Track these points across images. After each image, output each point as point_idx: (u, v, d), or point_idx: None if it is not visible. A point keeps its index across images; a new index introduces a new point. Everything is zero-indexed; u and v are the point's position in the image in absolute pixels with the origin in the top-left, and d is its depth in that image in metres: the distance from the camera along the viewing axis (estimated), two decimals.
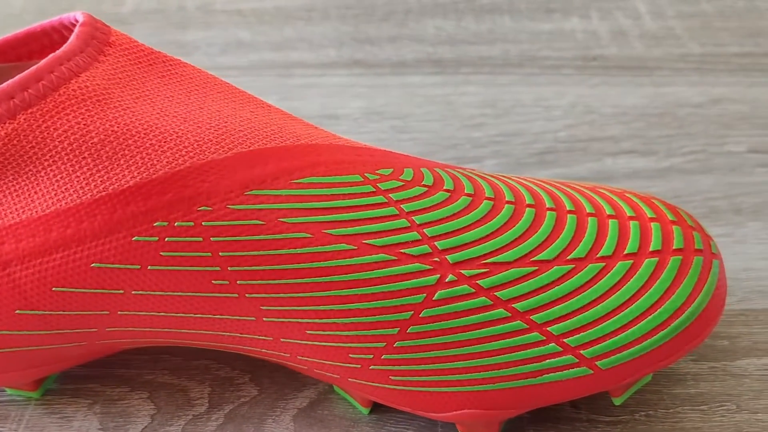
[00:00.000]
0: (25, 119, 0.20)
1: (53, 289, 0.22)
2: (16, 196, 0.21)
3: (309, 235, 0.22)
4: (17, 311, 0.22)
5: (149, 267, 0.22)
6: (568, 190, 0.25)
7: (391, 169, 0.24)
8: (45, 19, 0.50)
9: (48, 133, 0.21)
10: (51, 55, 0.21)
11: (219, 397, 0.27)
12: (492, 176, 0.26)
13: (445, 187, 0.24)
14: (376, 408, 0.26)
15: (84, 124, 0.21)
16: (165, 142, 0.21)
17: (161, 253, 0.21)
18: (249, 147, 0.22)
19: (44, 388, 0.27)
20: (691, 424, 0.26)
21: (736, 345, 0.29)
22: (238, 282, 0.22)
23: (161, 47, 0.48)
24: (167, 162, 0.21)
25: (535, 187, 0.25)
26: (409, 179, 0.24)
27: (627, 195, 0.26)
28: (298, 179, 0.22)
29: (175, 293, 0.22)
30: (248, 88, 0.44)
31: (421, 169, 0.24)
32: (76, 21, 0.23)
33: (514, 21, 0.50)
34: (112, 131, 0.21)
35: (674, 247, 0.24)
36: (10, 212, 0.21)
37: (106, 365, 0.28)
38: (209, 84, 0.24)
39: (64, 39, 0.24)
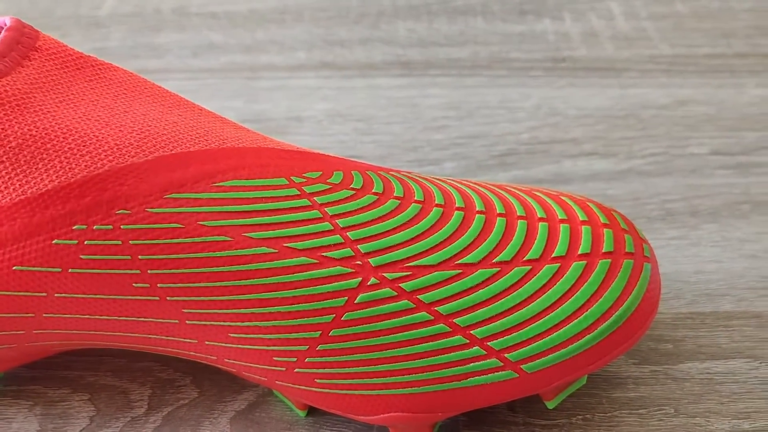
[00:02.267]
0: None
1: None
2: None
3: (229, 239, 0.22)
4: None
5: (70, 270, 0.22)
6: (502, 193, 0.25)
7: (320, 172, 0.24)
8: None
9: None
10: None
11: (159, 399, 0.27)
12: (425, 179, 0.26)
13: (373, 190, 0.24)
14: (312, 411, 0.26)
15: (1, 129, 0.21)
16: (84, 145, 0.21)
17: (81, 257, 0.22)
18: (171, 150, 0.22)
19: None
20: (628, 428, 0.26)
21: (680, 348, 0.28)
22: (158, 285, 0.22)
23: (135, 50, 0.49)
24: (86, 165, 0.21)
25: (467, 190, 0.25)
26: (337, 182, 0.24)
27: (562, 198, 0.26)
28: (220, 182, 0.22)
29: (97, 296, 0.22)
30: (217, 91, 0.45)
31: (352, 172, 0.24)
32: (4, 25, 0.24)
33: (487, 22, 0.50)
34: (30, 135, 0.21)
35: (603, 250, 0.24)
36: None
37: (50, 367, 0.28)
38: (139, 88, 0.24)
39: None
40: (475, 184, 0.26)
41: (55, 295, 0.22)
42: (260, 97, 0.44)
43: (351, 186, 0.24)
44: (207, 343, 0.23)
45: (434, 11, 0.52)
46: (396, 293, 0.22)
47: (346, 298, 0.22)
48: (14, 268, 0.22)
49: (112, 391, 0.28)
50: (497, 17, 0.50)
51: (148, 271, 0.22)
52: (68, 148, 0.21)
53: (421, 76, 0.45)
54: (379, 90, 0.44)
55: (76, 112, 0.22)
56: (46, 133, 0.21)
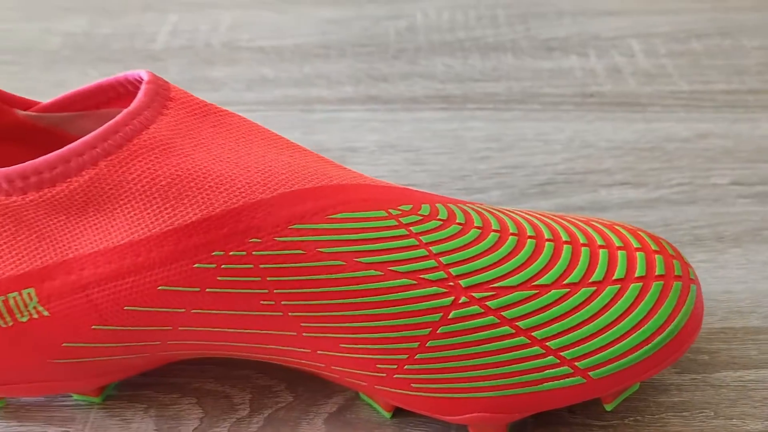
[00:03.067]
0: (105, 165, 0.24)
1: (125, 308, 0.26)
2: (96, 230, 0.25)
3: (342, 263, 0.26)
4: (93, 327, 0.26)
5: (207, 289, 0.25)
6: (565, 222, 0.29)
7: (411, 205, 0.28)
8: (82, 56, 0.54)
9: (124, 177, 0.24)
10: (125, 111, 0.25)
11: (259, 403, 0.31)
12: (497, 210, 0.29)
13: (457, 221, 0.28)
14: (397, 412, 0.30)
15: (153, 170, 0.25)
16: (221, 184, 0.25)
17: (218, 278, 0.25)
18: (291, 188, 0.26)
19: (105, 394, 0.31)
20: (674, 428, 0.30)
21: (716, 359, 0.32)
22: (282, 303, 0.26)
23: (192, 83, 0.53)
24: (223, 201, 0.25)
25: (535, 220, 0.29)
26: (426, 214, 0.27)
27: (616, 227, 0.30)
28: (333, 215, 0.26)
29: (229, 312, 0.26)
30: (274, 122, 0.49)
31: (436, 204, 0.28)
32: (141, 78, 0.27)
33: (517, 59, 0.54)
34: (177, 175, 0.25)
35: (656, 274, 0.28)
36: (90, 243, 0.25)
37: (158, 374, 0.32)
38: (253, 132, 0.28)
39: (128, 92, 0.28)
40: (540, 214, 0.30)
41: (192, 311, 0.26)
42: (316, 129, 0.47)
43: (438, 217, 0.27)
44: (319, 352, 0.27)
45: (467, 47, 0.56)
46: (483, 310, 0.26)
47: (441, 314, 0.26)
48: (159, 287, 0.25)
49: (216, 396, 0.31)
50: (526, 54, 0.55)
51: (274, 291, 0.25)
52: (208, 186, 0.25)
53: (461, 110, 0.49)
54: (423, 123, 0.48)
55: (209, 154, 0.26)
56: (188, 174, 0.25)
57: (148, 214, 0.25)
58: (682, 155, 0.44)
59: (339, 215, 0.26)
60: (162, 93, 0.26)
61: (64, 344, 0.27)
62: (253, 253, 0.25)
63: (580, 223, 0.29)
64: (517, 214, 0.29)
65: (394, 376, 0.27)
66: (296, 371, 0.31)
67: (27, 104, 0.29)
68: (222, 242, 0.25)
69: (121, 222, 0.25)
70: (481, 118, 0.48)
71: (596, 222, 0.30)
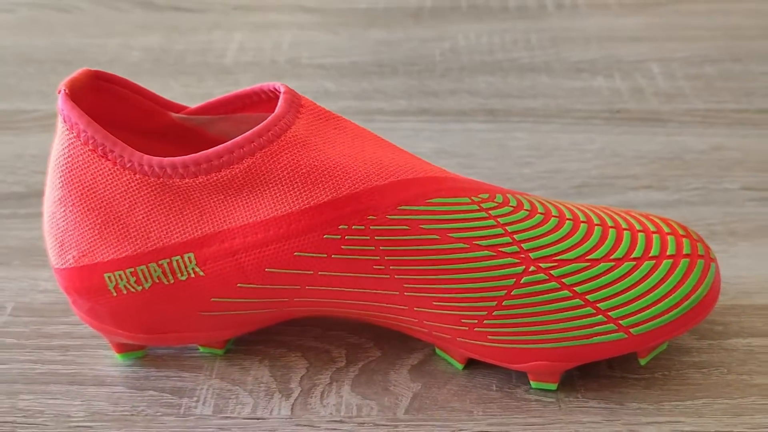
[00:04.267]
0: (260, 156, 0.31)
1: (266, 269, 0.32)
2: (248, 207, 0.32)
3: (438, 237, 0.32)
4: (239, 285, 0.33)
5: (333, 256, 0.32)
6: (610, 212, 0.36)
7: (487, 194, 0.34)
8: (161, 69, 0.60)
9: (273, 166, 0.31)
10: (272, 115, 0.32)
11: (353, 356, 0.38)
12: (553, 201, 0.36)
13: (525, 208, 0.34)
14: (468, 364, 0.37)
15: (295, 161, 0.31)
16: (346, 173, 0.32)
17: (342, 247, 0.32)
18: (398, 177, 0.33)
19: (227, 348, 0.37)
20: (695, 380, 0.36)
21: (728, 329, 0.39)
22: (390, 267, 0.32)
23: None
24: (348, 187, 0.32)
25: (585, 209, 0.36)
26: (500, 201, 0.34)
27: (651, 217, 0.36)
28: (430, 199, 0.33)
29: (348, 274, 0.33)
30: None
31: (507, 195, 0.35)
32: (275, 89, 0.34)
33: (551, 79, 0.61)
34: (313, 166, 0.32)
35: (684, 252, 0.35)
36: (242, 217, 0.32)
37: (267, 333, 0.39)
38: (364, 133, 0.34)
39: (261, 100, 0.35)
40: (587, 207, 0.37)
41: (319, 273, 0.33)
42: None
43: (510, 204, 0.34)
44: (415, 309, 0.33)
45: (506, 68, 0.63)
46: (547, 277, 0.33)
47: (514, 279, 0.33)
48: (295, 253, 0.32)
49: (317, 351, 0.38)
50: (558, 74, 0.62)
51: (385, 258, 0.32)
52: (336, 175, 0.32)
53: (505, 122, 0.56)
54: (472, 132, 0.55)
55: (335, 150, 0.32)
56: (322, 165, 0.32)
57: (290, 195, 0.32)
58: (699, 164, 0.51)
59: (435, 200, 0.33)
60: (296, 101, 0.33)
61: (213, 299, 0.33)
62: (370, 227, 0.32)
63: (621, 212, 0.36)
64: (569, 205, 0.36)
65: (475, 329, 0.33)
66: (383, 331, 0.38)
67: (178, 108, 0.36)
68: (346, 218, 0.32)
69: (268, 201, 0.32)
70: (522, 129, 0.55)
71: (634, 212, 0.37)
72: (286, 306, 0.34)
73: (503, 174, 0.50)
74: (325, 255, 0.32)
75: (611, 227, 0.35)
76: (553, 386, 0.35)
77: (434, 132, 0.55)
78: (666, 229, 0.35)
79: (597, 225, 0.35)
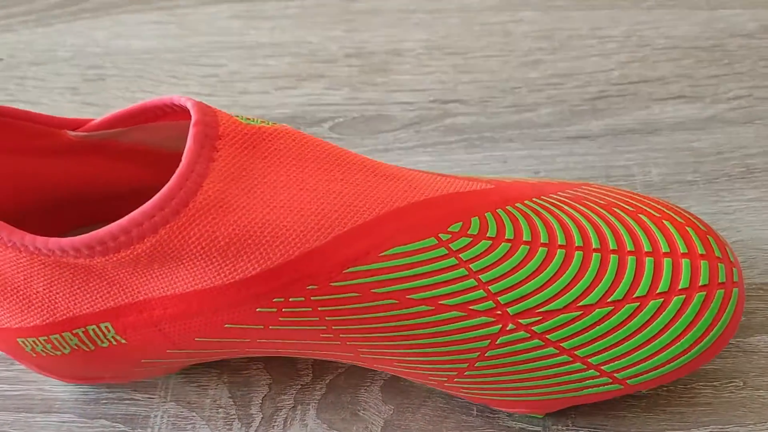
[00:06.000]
0: (165, 233, 0.25)
1: (196, 339, 0.28)
2: (162, 279, 0.26)
3: (395, 301, 0.27)
4: (168, 350, 0.28)
5: (270, 327, 0.27)
6: (613, 220, 0.29)
7: (460, 223, 0.28)
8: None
9: (184, 242, 0.25)
10: (178, 172, 0.25)
11: (321, 368, 0.34)
12: (546, 203, 0.29)
13: (506, 237, 0.28)
14: None
15: (211, 232, 0.25)
16: (277, 237, 0.26)
17: (279, 319, 0.27)
18: (344, 228, 0.26)
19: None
20: (704, 399, 0.32)
21: (751, 321, 0.34)
22: (341, 335, 0.27)
23: None
24: (280, 254, 0.26)
25: (584, 221, 0.29)
26: (475, 233, 0.28)
27: (664, 223, 0.30)
28: (385, 251, 0.27)
29: (292, 340, 0.28)
30: (316, 16, 0.47)
31: (486, 215, 0.29)
32: (183, 106, 0.27)
33: None
34: (234, 234, 0.25)
35: (700, 284, 0.29)
36: (158, 289, 0.27)
37: None
38: (305, 154, 0.27)
39: (174, 112, 0.28)
40: (591, 202, 0.30)
41: (258, 340, 0.28)
42: (358, 24, 0.46)
43: (487, 235, 0.28)
44: (375, 365, 0.29)
45: None
46: (529, 335, 0.28)
47: (489, 340, 0.28)
48: (225, 325, 0.27)
49: (281, 360, 0.34)
50: None
51: (333, 327, 0.27)
52: (265, 241, 0.26)
53: None
54: (471, 13, 0.45)
55: (263, 200, 0.26)
56: (245, 231, 0.26)
57: (209, 270, 0.26)
58: (744, 56, 0.42)
59: (391, 251, 0.27)
60: (210, 133, 0.26)
61: (142, 360, 0.29)
62: (311, 298, 0.27)
63: (628, 219, 0.30)
64: (565, 209, 0.30)
65: (445, 385, 0.29)
66: None
67: (76, 124, 0.29)
68: (281, 290, 0.26)
69: (184, 276, 0.26)
70: (532, 4, 0.45)
71: (645, 216, 0.30)
72: (234, 355, 0.30)
73: (505, 82, 0.42)
74: (262, 326, 0.27)
75: (612, 252, 0.29)
76: (540, 415, 0.31)
77: (426, 14, 0.46)
78: (681, 248, 0.29)
79: (595, 251, 0.29)
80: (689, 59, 0.42)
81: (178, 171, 0.25)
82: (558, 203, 0.30)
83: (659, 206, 0.31)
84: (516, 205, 0.30)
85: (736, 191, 0.37)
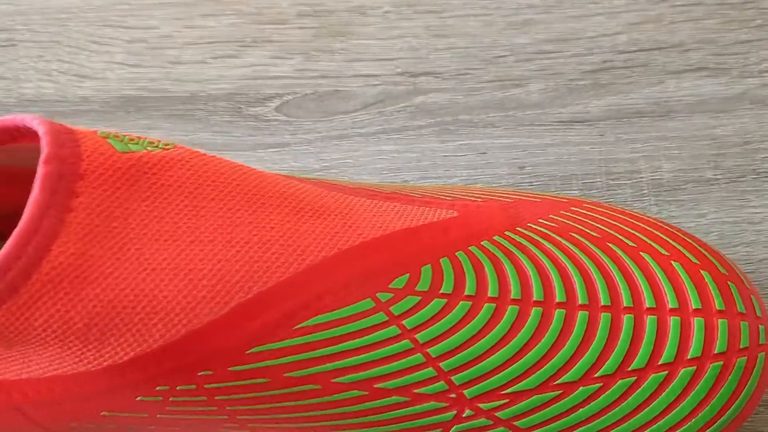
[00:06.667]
0: (2, 315, 0.19)
1: (71, 424, 0.22)
2: (12, 362, 0.20)
3: (317, 386, 0.21)
4: None
5: (158, 416, 0.21)
6: (606, 262, 0.23)
7: (407, 276, 0.22)
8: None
9: (29, 324, 0.19)
10: (16, 233, 0.19)
11: None
12: (526, 247, 0.23)
13: (466, 293, 0.22)
14: None
15: (65, 311, 0.19)
16: (155, 312, 0.20)
17: (167, 408, 0.21)
18: (248, 293, 0.20)
19: None
20: None
21: None
22: (249, 425, 0.21)
23: None
24: (161, 335, 0.20)
25: (567, 263, 0.23)
26: (426, 289, 0.22)
27: (674, 266, 0.23)
28: (302, 323, 0.21)
29: (192, 427, 0.22)
30: None
31: (441, 261, 0.22)
32: (31, 128, 0.20)
33: None
34: (97, 312, 0.19)
35: (716, 351, 0.22)
36: (11, 371, 0.21)
37: None
38: (203, 187, 0.21)
39: (27, 134, 0.21)
40: (582, 238, 0.23)
41: (150, 426, 0.22)
42: None
43: (441, 291, 0.22)
44: None
45: None
46: (492, 422, 0.22)
47: (440, 430, 0.22)
48: (102, 413, 0.21)
49: None
50: None
51: (238, 417, 0.21)
52: (138, 319, 0.19)
53: None
54: None
55: (138, 263, 0.20)
56: (112, 306, 0.19)
57: (69, 356, 0.20)
58: None
59: (310, 322, 0.21)
60: (67, 173, 0.19)
61: None
62: (205, 386, 0.20)
63: (631, 245, 0.23)
64: (546, 248, 0.23)
65: None
66: None
67: None
68: (164, 378, 0.20)
69: (40, 360, 0.20)
70: None
71: (649, 253, 0.23)
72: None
73: (487, 49, 0.35)
74: (147, 414, 0.21)
75: (603, 309, 0.22)
76: None
77: None
78: (693, 302, 0.22)
79: (581, 308, 0.22)
80: (714, 19, 0.34)
81: (16, 232, 0.19)
82: (537, 239, 0.23)
83: (667, 238, 0.24)
84: (482, 243, 0.23)
85: (767, 193, 0.31)
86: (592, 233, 0.24)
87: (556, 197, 0.26)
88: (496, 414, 0.22)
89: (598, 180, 0.31)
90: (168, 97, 0.35)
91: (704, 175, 0.31)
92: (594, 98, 0.33)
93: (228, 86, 0.35)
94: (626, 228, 0.24)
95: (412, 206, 0.24)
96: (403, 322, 0.21)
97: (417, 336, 0.21)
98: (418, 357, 0.21)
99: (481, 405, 0.21)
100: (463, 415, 0.22)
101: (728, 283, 0.23)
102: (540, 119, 0.33)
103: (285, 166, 0.33)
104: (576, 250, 0.23)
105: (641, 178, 0.31)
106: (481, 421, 0.22)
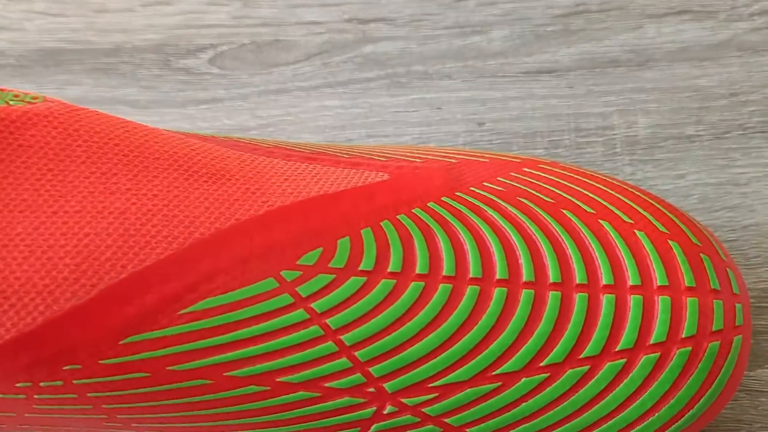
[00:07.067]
0: None
1: None
2: None
3: (209, 381, 0.18)
4: None
5: (25, 415, 0.18)
6: (558, 232, 0.20)
7: (320, 250, 0.18)
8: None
9: None
10: None
11: None
12: (464, 215, 0.20)
13: (389, 269, 0.18)
14: None
15: None
16: (6, 297, 0.16)
17: (34, 407, 0.18)
18: (120, 274, 0.17)
19: None
20: None
21: (762, 346, 0.24)
22: (132, 425, 0.18)
23: None
24: (12, 324, 0.16)
25: (513, 234, 0.19)
26: (341, 266, 0.18)
27: (637, 235, 0.20)
28: (189, 307, 0.17)
29: (70, 426, 0.19)
30: None
31: (363, 231, 0.19)
32: None
33: None
34: None
35: (683, 335, 0.19)
36: None
37: None
38: (73, 146, 0.18)
39: None
40: (533, 204, 0.20)
41: (20, 425, 0.19)
42: None
43: (360, 267, 0.18)
44: None
45: None
46: (419, 419, 0.18)
47: (358, 429, 0.18)
48: None
49: None
50: None
51: (117, 416, 0.18)
52: None
53: None
54: None
55: None
56: None
57: None
58: None
59: (198, 306, 0.17)
60: None
61: None
62: (74, 382, 0.17)
63: (583, 227, 0.20)
64: (489, 216, 0.20)
65: None
66: None
67: None
68: (24, 373, 0.17)
69: None
70: None
71: (609, 221, 0.20)
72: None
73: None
74: (14, 414, 0.18)
75: (552, 287, 0.19)
76: None
77: None
78: (658, 277, 0.19)
79: (526, 286, 0.19)
80: None
81: None
82: (479, 205, 0.20)
83: (633, 203, 0.21)
84: (413, 211, 0.20)
85: (754, 151, 0.27)
86: (544, 198, 0.20)
87: (508, 156, 0.23)
88: (424, 410, 0.18)
89: (566, 137, 0.28)
90: (91, 50, 0.31)
91: (685, 131, 0.28)
92: (564, 46, 0.30)
93: (157, 36, 0.31)
94: (586, 192, 0.21)
95: (335, 168, 0.21)
96: (312, 305, 0.18)
97: (328, 321, 0.18)
98: (329, 346, 0.18)
99: (405, 400, 0.18)
100: (385, 412, 0.18)
101: (701, 255, 0.20)
102: (503, 70, 0.29)
103: (217, 125, 0.29)
104: (523, 218, 0.20)
105: (614, 134, 0.28)
106: (406, 418, 0.18)
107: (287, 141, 0.22)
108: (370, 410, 0.18)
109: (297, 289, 0.18)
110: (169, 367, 0.17)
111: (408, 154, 0.22)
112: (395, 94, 0.29)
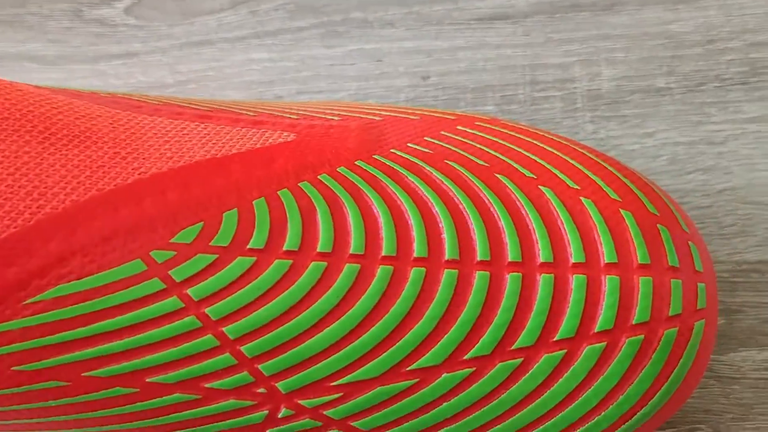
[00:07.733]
0: None
1: None
2: None
3: (63, 383, 0.15)
4: None
5: None
6: (491, 200, 0.17)
7: (200, 225, 0.15)
8: None
9: None
10: None
11: None
12: (381, 182, 0.17)
13: (284, 248, 0.16)
14: None
15: None
16: None
17: None
18: None
19: None
20: None
21: (735, 327, 0.21)
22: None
23: None
24: None
25: (437, 204, 0.16)
26: (225, 244, 0.15)
27: (583, 202, 0.17)
28: (36, 296, 0.14)
29: None
30: None
31: (256, 202, 0.16)
32: None
33: None
34: None
35: (634, 322, 0.16)
36: None
37: None
38: None
39: None
40: (463, 168, 0.17)
41: None
42: None
43: (249, 246, 0.15)
44: None
45: None
46: (320, 423, 0.16)
47: None
48: None
49: None
50: None
51: None
52: None
53: None
54: None
55: None
56: None
57: None
58: None
59: (48, 294, 0.14)
60: None
61: None
62: None
63: (520, 195, 0.17)
64: (409, 183, 0.17)
65: None
66: None
67: None
68: None
69: None
70: None
71: (550, 187, 0.17)
72: None
73: None
74: None
75: (479, 265, 0.16)
76: None
77: None
78: (607, 254, 0.16)
79: (448, 265, 0.16)
80: None
81: None
82: (398, 170, 0.17)
83: (581, 166, 0.18)
84: (319, 177, 0.17)
85: (731, 106, 0.24)
86: (477, 161, 0.17)
87: (443, 113, 0.20)
88: (326, 413, 0.16)
89: (521, 92, 0.25)
90: None
91: (654, 83, 0.25)
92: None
93: None
94: (527, 153, 0.18)
95: (231, 128, 0.18)
96: (188, 290, 0.15)
97: (208, 310, 0.15)
98: (208, 339, 0.15)
99: (302, 402, 0.15)
100: (279, 416, 0.16)
101: (658, 226, 0.17)
102: (451, 16, 0.26)
103: (132, 81, 0.26)
104: (450, 185, 0.17)
105: (575, 88, 0.25)
106: (305, 422, 0.16)
107: (183, 98, 0.19)
108: (261, 414, 0.15)
109: (170, 272, 0.15)
110: (15, 368, 0.15)
111: (327, 111, 0.19)
112: (330, 45, 0.26)
